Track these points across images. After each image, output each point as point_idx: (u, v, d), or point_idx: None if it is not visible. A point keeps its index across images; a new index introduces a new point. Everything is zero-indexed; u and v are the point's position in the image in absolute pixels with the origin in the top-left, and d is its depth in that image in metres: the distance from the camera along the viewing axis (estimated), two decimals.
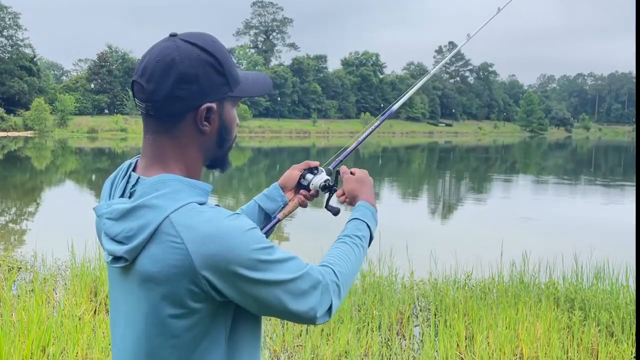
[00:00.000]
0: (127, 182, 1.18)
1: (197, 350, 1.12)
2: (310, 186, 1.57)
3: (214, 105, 1.14)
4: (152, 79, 1.10)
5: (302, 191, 1.58)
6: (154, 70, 1.10)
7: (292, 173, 1.59)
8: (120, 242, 1.09)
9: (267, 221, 1.55)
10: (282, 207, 1.55)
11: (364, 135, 1.74)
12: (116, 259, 1.11)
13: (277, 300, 1.11)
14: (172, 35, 1.15)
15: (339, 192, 1.55)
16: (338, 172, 1.59)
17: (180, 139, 1.15)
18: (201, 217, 1.06)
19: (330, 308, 1.19)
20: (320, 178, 1.56)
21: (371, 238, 1.44)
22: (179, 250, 1.04)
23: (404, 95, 1.87)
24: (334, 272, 1.23)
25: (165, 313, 1.09)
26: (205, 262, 1.04)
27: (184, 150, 1.16)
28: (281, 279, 1.10)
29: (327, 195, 1.58)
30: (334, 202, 1.57)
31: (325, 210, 1.58)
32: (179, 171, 1.15)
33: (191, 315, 1.08)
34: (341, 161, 1.67)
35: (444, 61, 2.11)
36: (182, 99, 1.11)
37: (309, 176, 1.57)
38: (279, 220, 1.54)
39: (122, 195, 1.17)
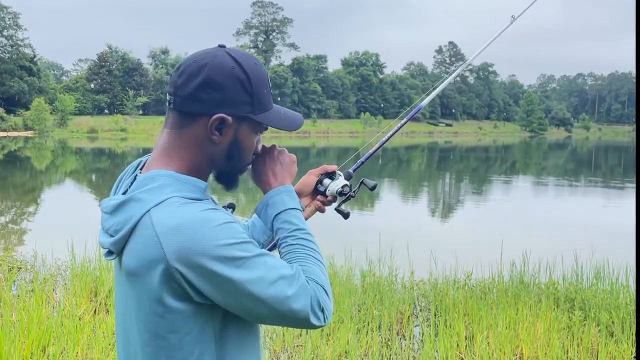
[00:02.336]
0: (133, 180, 1.20)
1: (184, 353, 1.11)
2: (327, 192, 1.50)
3: (229, 118, 1.14)
4: (182, 75, 1.14)
5: (319, 197, 1.52)
6: (187, 67, 1.14)
7: (309, 179, 1.53)
8: (110, 236, 1.12)
9: None
10: None
11: (387, 136, 1.64)
12: (108, 252, 1.14)
13: (258, 301, 1.06)
14: (221, 46, 1.18)
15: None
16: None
17: (189, 138, 1.16)
18: (177, 210, 1.06)
19: (323, 311, 1.14)
20: (337, 184, 1.49)
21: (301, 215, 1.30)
22: (153, 243, 1.04)
23: (431, 92, 1.78)
24: (314, 280, 1.16)
25: (147, 310, 1.09)
26: (175, 253, 1.03)
27: (190, 150, 1.16)
28: (260, 277, 1.06)
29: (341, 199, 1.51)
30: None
31: (335, 212, 1.54)
32: (180, 167, 1.15)
33: (172, 314, 1.07)
34: (362, 163, 1.59)
35: (481, 50, 1.92)
36: (200, 102, 1.13)
37: (326, 181, 1.51)
38: None
39: (125, 192, 1.19)
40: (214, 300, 1.07)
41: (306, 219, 1.48)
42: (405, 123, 1.67)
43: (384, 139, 1.64)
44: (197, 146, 1.16)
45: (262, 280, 1.07)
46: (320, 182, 1.52)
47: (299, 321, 1.11)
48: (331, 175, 1.52)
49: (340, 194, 1.49)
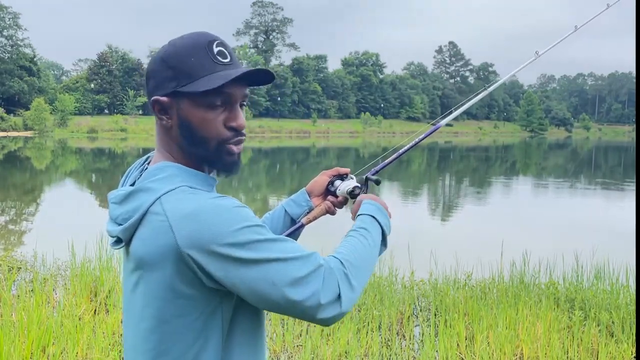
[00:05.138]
0: (141, 173, 1.22)
1: (190, 342, 1.11)
2: (338, 192, 1.52)
3: (162, 99, 1.16)
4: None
5: (329, 197, 1.54)
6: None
7: (321, 179, 1.55)
8: (118, 224, 1.13)
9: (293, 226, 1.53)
10: (307, 212, 1.52)
11: (409, 145, 1.63)
12: (116, 241, 1.14)
13: (270, 283, 1.04)
14: None
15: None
16: (370, 181, 1.52)
17: (159, 132, 1.21)
18: (188, 197, 1.08)
19: (339, 297, 1.09)
20: (348, 184, 1.50)
21: (384, 232, 1.35)
22: (164, 230, 1.05)
23: (468, 101, 1.81)
24: (340, 260, 1.16)
25: (156, 295, 1.09)
26: (187, 240, 1.04)
27: (166, 144, 1.20)
28: (272, 257, 1.06)
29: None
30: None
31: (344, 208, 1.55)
32: (176, 159, 1.19)
33: (182, 299, 1.08)
34: (377, 171, 1.59)
35: (527, 63, 1.88)
36: (147, 94, 1.20)
37: (337, 182, 1.53)
38: (302, 225, 1.50)
39: (132, 184, 1.21)
40: (226, 285, 1.07)
41: (315, 218, 1.50)
42: (425, 137, 1.67)
43: (400, 151, 1.63)
44: (165, 137, 1.20)
45: (275, 260, 1.06)
46: (331, 182, 1.54)
47: (306, 309, 1.07)
48: (343, 177, 1.54)
49: (351, 194, 1.50)
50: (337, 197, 1.53)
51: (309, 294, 1.06)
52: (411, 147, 1.61)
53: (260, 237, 1.07)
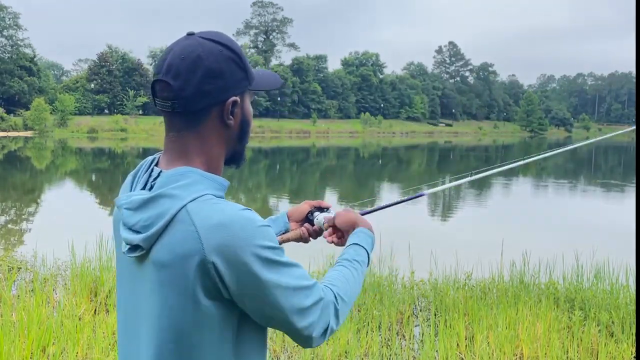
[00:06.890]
0: (150, 175, 1.19)
1: (204, 353, 1.11)
2: (315, 221, 1.59)
3: (238, 99, 1.18)
4: (179, 76, 1.12)
5: (306, 224, 1.59)
6: (179, 67, 1.12)
7: (302, 207, 1.62)
8: (137, 232, 1.11)
9: None
10: (282, 233, 1.57)
11: (393, 202, 1.74)
12: (132, 248, 1.12)
13: (277, 307, 1.10)
14: (190, 34, 1.18)
15: (328, 232, 1.56)
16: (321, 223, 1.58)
17: (205, 133, 1.17)
18: (216, 207, 1.08)
19: (327, 329, 1.17)
20: (325, 216, 1.58)
21: (368, 264, 1.44)
22: (191, 238, 1.05)
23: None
24: (335, 294, 1.22)
25: (175, 306, 1.08)
26: (215, 248, 1.04)
27: (207, 145, 1.18)
28: (284, 284, 1.10)
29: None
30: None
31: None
32: (201, 165, 1.17)
33: (200, 311, 1.08)
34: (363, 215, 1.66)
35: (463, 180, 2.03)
36: (209, 94, 1.14)
37: (316, 213, 1.60)
38: None
39: (143, 188, 1.18)
40: (236, 297, 1.09)
41: (288, 240, 1.56)
42: (409, 200, 1.83)
43: (382, 204, 1.74)
44: (215, 138, 1.19)
45: (286, 287, 1.10)
46: (311, 212, 1.61)
47: (300, 336, 1.15)
48: (324, 210, 1.61)
49: (326, 226, 1.57)
50: (313, 225, 1.59)
51: (308, 323, 1.14)
52: (393, 204, 1.75)
53: (280, 259, 1.10)
